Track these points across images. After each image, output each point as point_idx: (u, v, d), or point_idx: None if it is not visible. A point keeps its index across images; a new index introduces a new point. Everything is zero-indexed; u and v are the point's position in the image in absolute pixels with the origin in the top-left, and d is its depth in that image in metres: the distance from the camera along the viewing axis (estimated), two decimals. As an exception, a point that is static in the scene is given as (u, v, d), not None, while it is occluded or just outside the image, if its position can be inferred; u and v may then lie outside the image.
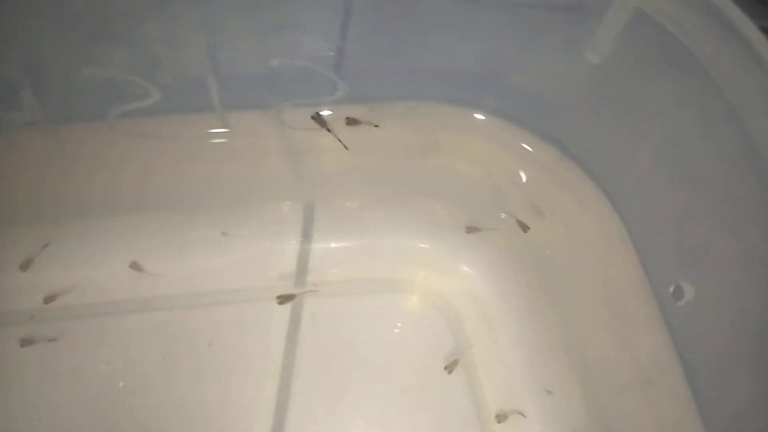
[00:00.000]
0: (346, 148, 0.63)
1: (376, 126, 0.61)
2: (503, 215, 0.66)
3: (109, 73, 0.54)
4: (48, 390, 0.63)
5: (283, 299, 0.67)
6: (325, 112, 0.61)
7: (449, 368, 0.65)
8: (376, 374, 0.66)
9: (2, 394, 0.63)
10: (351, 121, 0.61)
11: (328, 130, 0.61)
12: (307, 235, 0.70)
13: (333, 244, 0.70)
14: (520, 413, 0.63)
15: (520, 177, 0.64)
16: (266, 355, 0.66)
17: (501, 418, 0.63)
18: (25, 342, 0.65)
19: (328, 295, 0.69)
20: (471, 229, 0.67)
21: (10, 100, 0.55)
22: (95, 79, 0.55)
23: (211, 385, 0.64)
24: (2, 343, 0.65)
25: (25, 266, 0.67)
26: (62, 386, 0.63)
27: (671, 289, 0.55)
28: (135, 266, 0.68)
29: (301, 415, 0.64)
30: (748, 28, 0.45)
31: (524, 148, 0.63)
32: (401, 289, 0.69)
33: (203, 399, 0.64)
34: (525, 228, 0.64)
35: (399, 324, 0.68)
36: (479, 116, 0.62)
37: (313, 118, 0.61)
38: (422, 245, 0.70)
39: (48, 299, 0.66)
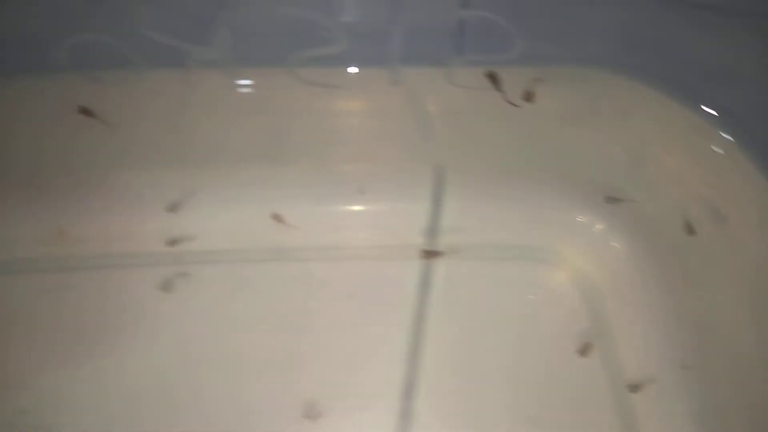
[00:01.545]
0: (517, 106, 0.63)
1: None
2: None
3: (300, 14, 0.56)
4: (189, 329, 0.65)
5: (428, 255, 0.68)
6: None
7: (583, 349, 0.65)
8: (507, 340, 0.66)
9: (143, 333, 0.64)
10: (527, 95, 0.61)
11: (500, 91, 0.62)
12: (441, 198, 0.71)
13: (468, 209, 0.71)
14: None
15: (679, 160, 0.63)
16: (401, 311, 0.67)
17: (634, 388, 0.63)
18: (166, 284, 0.66)
19: (463, 258, 0.69)
20: (611, 199, 0.67)
21: (201, 35, 0.57)
22: (286, 20, 0.56)
23: (349, 335, 0.65)
24: (143, 283, 0.67)
25: (172, 209, 0.68)
26: (211, 326, 0.65)
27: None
28: (276, 217, 0.69)
29: (433, 373, 0.65)
30: None
31: (692, 129, 0.62)
32: (537, 258, 0.70)
33: (341, 347, 0.65)
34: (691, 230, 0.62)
35: (534, 293, 0.68)
36: (650, 90, 0.62)
37: (488, 76, 0.62)
38: (561, 215, 0.70)
39: (190, 243, 0.68)
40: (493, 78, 0.62)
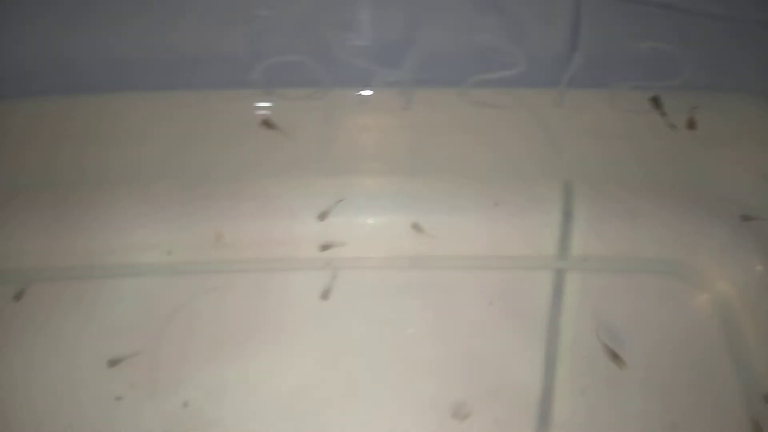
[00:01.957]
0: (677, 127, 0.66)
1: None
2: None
3: (487, 40, 0.60)
4: (342, 331, 0.69)
5: (558, 265, 0.71)
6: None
7: (716, 360, 0.66)
8: (641, 349, 0.68)
9: (299, 333, 0.69)
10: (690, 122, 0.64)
11: (663, 114, 0.65)
12: (570, 212, 0.74)
13: (597, 223, 0.74)
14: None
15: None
16: (537, 319, 0.70)
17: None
18: (320, 288, 0.71)
19: (594, 270, 0.72)
20: (746, 218, 0.69)
21: (391, 57, 0.61)
22: (472, 44, 0.60)
23: (492, 340, 0.68)
24: (297, 286, 0.71)
25: (322, 216, 0.73)
26: (363, 329, 0.69)
27: None
28: (415, 226, 0.73)
29: (568, 378, 0.67)
30: None
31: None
32: (669, 272, 0.72)
33: (484, 351, 0.68)
34: None
35: (667, 306, 0.71)
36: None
37: (651, 100, 0.65)
38: (695, 231, 0.72)
39: (340, 249, 0.72)
40: (656, 102, 0.65)
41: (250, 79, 0.64)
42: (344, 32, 0.60)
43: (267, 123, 0.69)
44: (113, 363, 0.67)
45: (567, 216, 0.73)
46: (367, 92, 0.67)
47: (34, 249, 0.71)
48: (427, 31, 0.61)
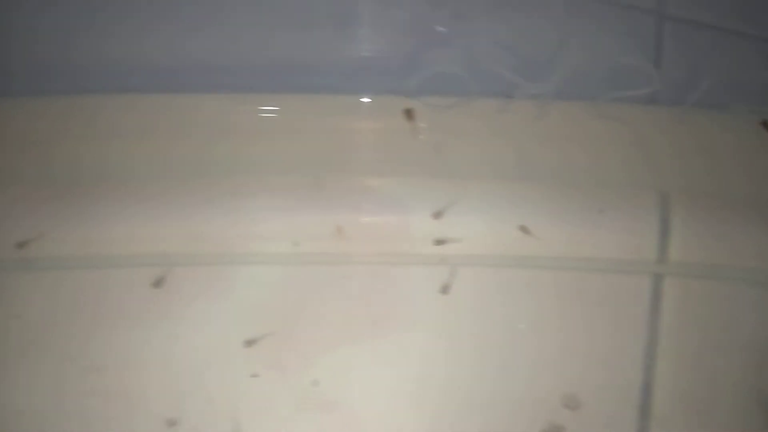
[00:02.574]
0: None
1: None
2: None
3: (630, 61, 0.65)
4: (458, 326, 0.74)
5: (657, 270, 0.76)
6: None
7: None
8: (740, 356, 0.73)
9: (417, 324, 0.75)
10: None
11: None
12: (667, 220, 0.79)
13: (696, 232, 0.79)
14: None
15: None
16: (638, 321, 0.75)
17: None
18: (435, 283, 0.76)
19: (693, 276, 0.77)
20: None
21: (538, 72, 0.66)
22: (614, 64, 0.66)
23: (598, 338, 0.74)
24: (413, 279, 0.77)
25: (437, 215, 0.78)
26: (478, 325, 0.74)
27: None
28: (523, 229, 0.78)
29: (668, 378, 0.73)
30: None
31: None
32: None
33: (591, 348, 0.73)
34: None
35: (759, 314, 0.76)
36: None
37: (762, 123, 0.70)
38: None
39: (454, 247, 0.78)
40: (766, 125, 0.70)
41: (406, 87, 0.69)
42: (496, 48, 0.66)
43: (409, 113, 0.74)
44: (249, 343, 0.73)
45: (666, 224, 0.78)
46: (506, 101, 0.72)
47: (174, 235, 0.77)
48: (573, 49, 0.66)
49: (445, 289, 0.75)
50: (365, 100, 0.76)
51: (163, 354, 0.72)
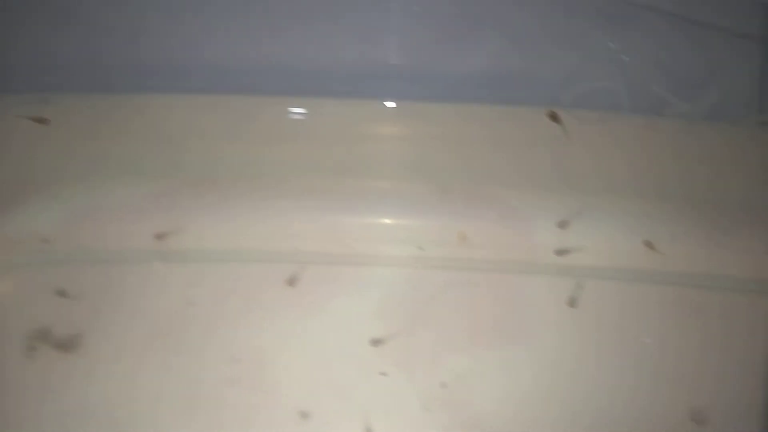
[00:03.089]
0: None
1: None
2: None
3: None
4: (583, 340, 0.76)
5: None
6: None
7: None
8: None
9: (542, 334, 0.76)
10: None
11: None
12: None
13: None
14: None
15: None
16: (757, 337, 0.75)
17: None
18: (563, 295, 0.77)
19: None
20: None
21: (691, 92, 0.68)
22: None
23: (716, 354, 0.74)
24: (535, 288, 0.78)
25: (562, 225, 0.80)
26: (603, 341, 0.75)
27: None
28: (648, 244, 0.79)
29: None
30: None
31: None
32: None
33: (695, 363, 0.74)
34: None
35: None
36: None
37: None
38: None
39: (573, 258, 0.79)
40: None
41: (563, 100, 0.72)
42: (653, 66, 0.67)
43: (554, 116, 0.75)
44: (377, 342, 0.75)
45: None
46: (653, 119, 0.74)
47: (307, 233, 0.80)
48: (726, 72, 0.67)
49: (572, 302, 0.77)
50: (505, 108, 0.77)
51: (296, 349, 0.75)
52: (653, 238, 0.79)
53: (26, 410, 0.71)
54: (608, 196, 0.80)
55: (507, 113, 0.78)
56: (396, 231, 0.80)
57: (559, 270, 0.79)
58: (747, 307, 0.77)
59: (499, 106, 0.77)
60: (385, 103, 0.79)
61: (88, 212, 0.79)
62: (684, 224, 0.80)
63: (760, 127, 0.79)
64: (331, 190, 0.81)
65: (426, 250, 0.80)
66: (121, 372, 0.72)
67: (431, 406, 0.73)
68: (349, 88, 0.78)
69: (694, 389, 0.73)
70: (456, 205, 0.81)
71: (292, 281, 0.77)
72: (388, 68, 0.79)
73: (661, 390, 0.73)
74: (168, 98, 0.81)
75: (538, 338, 0.75)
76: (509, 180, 0.81)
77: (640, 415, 0.72)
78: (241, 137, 0.80)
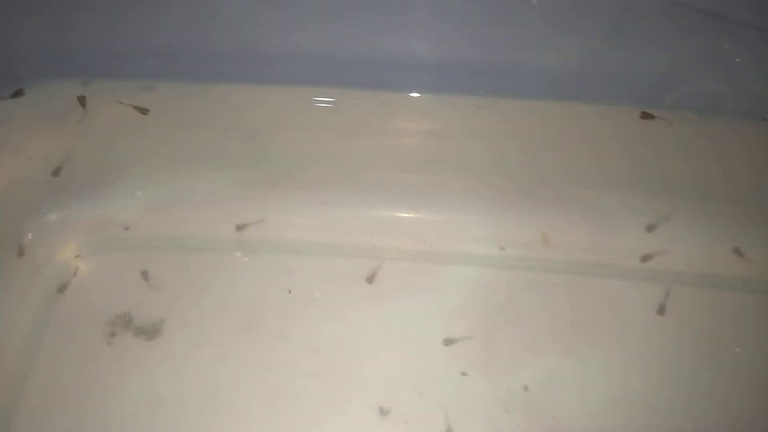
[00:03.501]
0: None
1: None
2: None
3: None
4: (671, 347, 0.74)
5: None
6: None
7: None
8: None
9: (625, 338, 0.74)
10: None
11: None
12: None
13: None
14: None
15: None
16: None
17: None
18: (660, 309, 0.75)
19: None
20: None
21: None
22: None
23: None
24: (621, 292, 0.76)
25: (649, 228, 0.78)
26: (692, 349, 0.73)
27: None
28: (737, 251, 0.77)
29: None
30: None
31: None
32: None
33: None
34: None
35: None
36: None
37: None
38: None
39: (659, 263, 0.77)
40: None
41: (666, 102, 0.70)
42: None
43: (647, 116, 0.74)
44: (448, 342, 0.74)
45: None
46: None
47: (385, 229, 0.79)
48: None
49: (661, 309, 0.75)
50: (595, 106, 0.76)
51: (375, 345, 0.74)
52: (742, 245, 0.77)
53: (101, 393, 0.71)
54: (699, 200, 0.78)
55: (597, 111, 0.76)
56: (477, 229, 0.79)
57: (645, 275, 0.77)
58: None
59: (588, 103, 0.75)
60: (469, 98, 0.78)
61: (171, 201, 0.80)
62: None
63: None
64: (411, 185, 0.80)
65: (507, 250, 0.79)
66: (200, 361, 0.72)
67: (512, 409, 0.71)
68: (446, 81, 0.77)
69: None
70: (540, 204, 0.80)
71: (371, 277, 0.77)
72: (473, 63, 0.78)
73: (750, 400, 0.70)
74: (253, 89, 0.80)
75: (623, 344, 0.74)
76: (596, 181, 0.79)
77: (729, 425, 0.69)
78: (326, 130, 0.79)
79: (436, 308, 0.76)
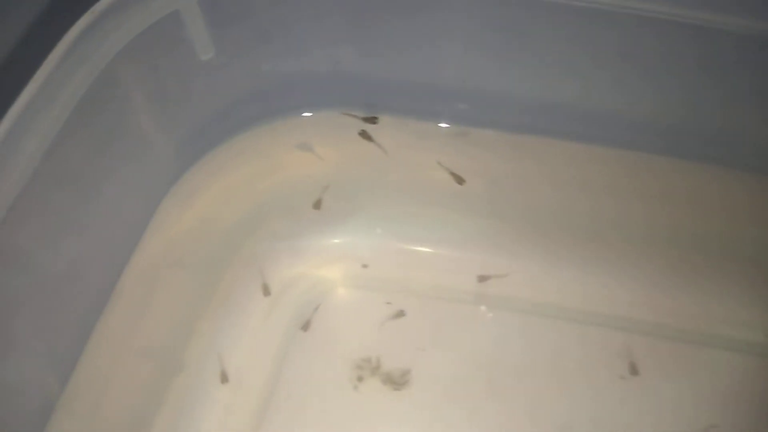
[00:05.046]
0: None
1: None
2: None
3: None
4: None
5: None
6: None
7: None
8: None
9: None
10: None
11: None
12: None
13: None
14: None
15: None
16: None
17: None
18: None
19: None
20: None
21: None
22: None
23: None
24: None
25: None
26: None
27: None
28: None
29: None
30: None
31: None
32: None
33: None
34: None
35: None
36: None
37: None
38: None
39: None
40: None
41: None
42: None
43: None
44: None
45: None
46: None
47: (639, 302, 0.74)
48: None
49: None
50: None
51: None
52: None
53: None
54: None
55: None
56: (740, 314, 0.74)
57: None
58: None
59: None
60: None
61: (410, 241, 0.78)
62: None
63: None
64: (660, 258, 0.75)
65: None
66: (447, 420, 0.70)
67: None
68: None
69: None
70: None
71: (623, 354, 0.72)
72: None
73: None
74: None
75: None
76: None
77: None
78: (583, 188, 0.75)
79: (694, 395, 0.71)
